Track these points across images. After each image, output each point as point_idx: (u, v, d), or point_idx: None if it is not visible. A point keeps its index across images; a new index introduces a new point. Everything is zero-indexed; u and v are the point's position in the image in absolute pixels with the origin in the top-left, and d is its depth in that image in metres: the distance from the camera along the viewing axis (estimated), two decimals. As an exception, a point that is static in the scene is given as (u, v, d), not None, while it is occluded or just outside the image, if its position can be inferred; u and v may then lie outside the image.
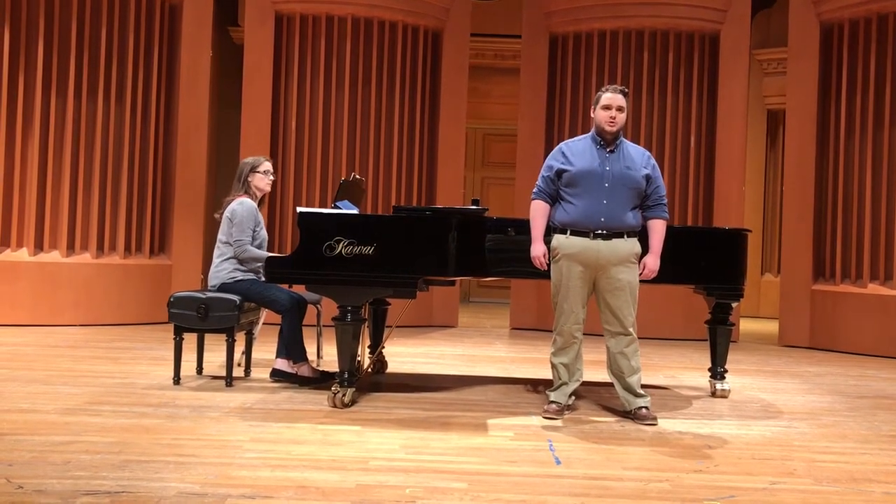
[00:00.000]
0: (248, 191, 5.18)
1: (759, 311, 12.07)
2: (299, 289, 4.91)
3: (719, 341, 5.13)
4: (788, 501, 3.06)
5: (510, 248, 4.62)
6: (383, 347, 5.57)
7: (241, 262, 5.05)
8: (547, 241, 4.38)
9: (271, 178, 5.28)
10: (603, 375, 4.74)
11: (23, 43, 7.64)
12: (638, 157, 4.38)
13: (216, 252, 5.12)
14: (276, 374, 5.03)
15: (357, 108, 8.74)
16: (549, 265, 4.37)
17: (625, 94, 4.37)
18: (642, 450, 3.77)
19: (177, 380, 4.89)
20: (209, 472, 3.13)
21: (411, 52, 8.99)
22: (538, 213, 4.40)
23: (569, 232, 4.31)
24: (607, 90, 4.38)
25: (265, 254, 5.04)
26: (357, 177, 5.51)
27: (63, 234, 7.74)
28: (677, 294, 7.43)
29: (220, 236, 5.11)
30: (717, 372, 5.17)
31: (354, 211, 5.00)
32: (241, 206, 5.07)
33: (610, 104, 4.32)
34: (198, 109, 8.53)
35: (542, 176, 4.42)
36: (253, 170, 5.19)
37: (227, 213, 5.10)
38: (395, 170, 8.90)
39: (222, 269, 5.05)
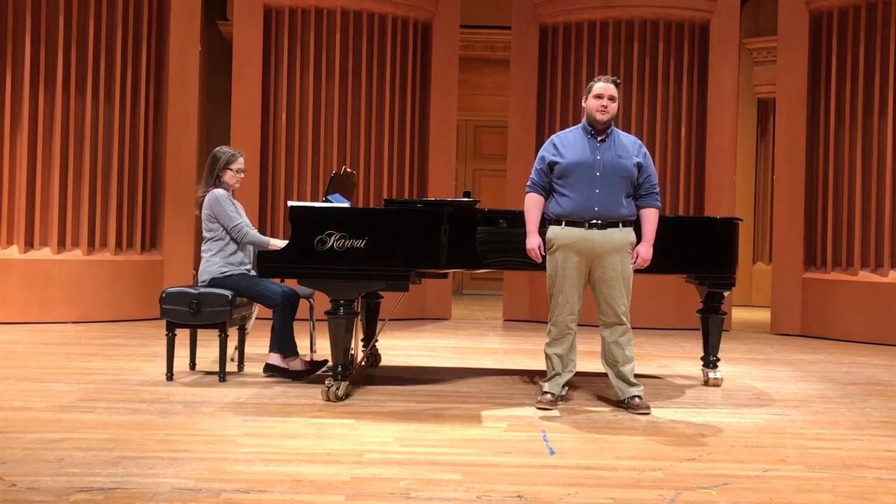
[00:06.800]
0: (217, 185, 5.12)
1: (751, 300, 12.11)
2: (291, 283, 4.90)
3: (711, 330, 5.14)
4: (781, 488, 3.08)
5: (502, 240, 4.62)
6: (376, 341, 5.57)
7: (240, 246, 5.03)
8: (542, 233, 4.38)
9: (242, 175, 5.21)
10: (596, 365, 4.75)
11: (9, 38, 7.58)
12: (630, 146, 4.38)
13: (203, 248, 5.09)
14: (270, 369, 5.02)
15: (347, 101, 8.72)
16: (544, 257, 4.38)
17: (617, 85, 4.38)
18: (636, 439, 3.78)
19: (170, 376, 4.88)
20: (203, 468, 3.13)
21: (401, 44, 8.97)
22: (532, 205, 4.40)
23: (564, 223, 4.31)
24: (599, 80, 4.38)
25: (266, 238, 5.04)
26: (348, 170, 5.50)
27: (53, 230, 7.70)
28: (669, 283, 7.45)
29: (205, 233, 5.08)
30: (710, 361, 5.19)
31: (346, 204, 4.99)
32: (213, 197, 5.01)
33: (602, 93, 4.32)
34: (187, 104, 8.50)
35: (535, 168, 4.43)
36: (226, 166, 5.11)
37: (205, 208, 5.05)
38: (386, 162, 8.88)
39: (212, 265, 5.03)
